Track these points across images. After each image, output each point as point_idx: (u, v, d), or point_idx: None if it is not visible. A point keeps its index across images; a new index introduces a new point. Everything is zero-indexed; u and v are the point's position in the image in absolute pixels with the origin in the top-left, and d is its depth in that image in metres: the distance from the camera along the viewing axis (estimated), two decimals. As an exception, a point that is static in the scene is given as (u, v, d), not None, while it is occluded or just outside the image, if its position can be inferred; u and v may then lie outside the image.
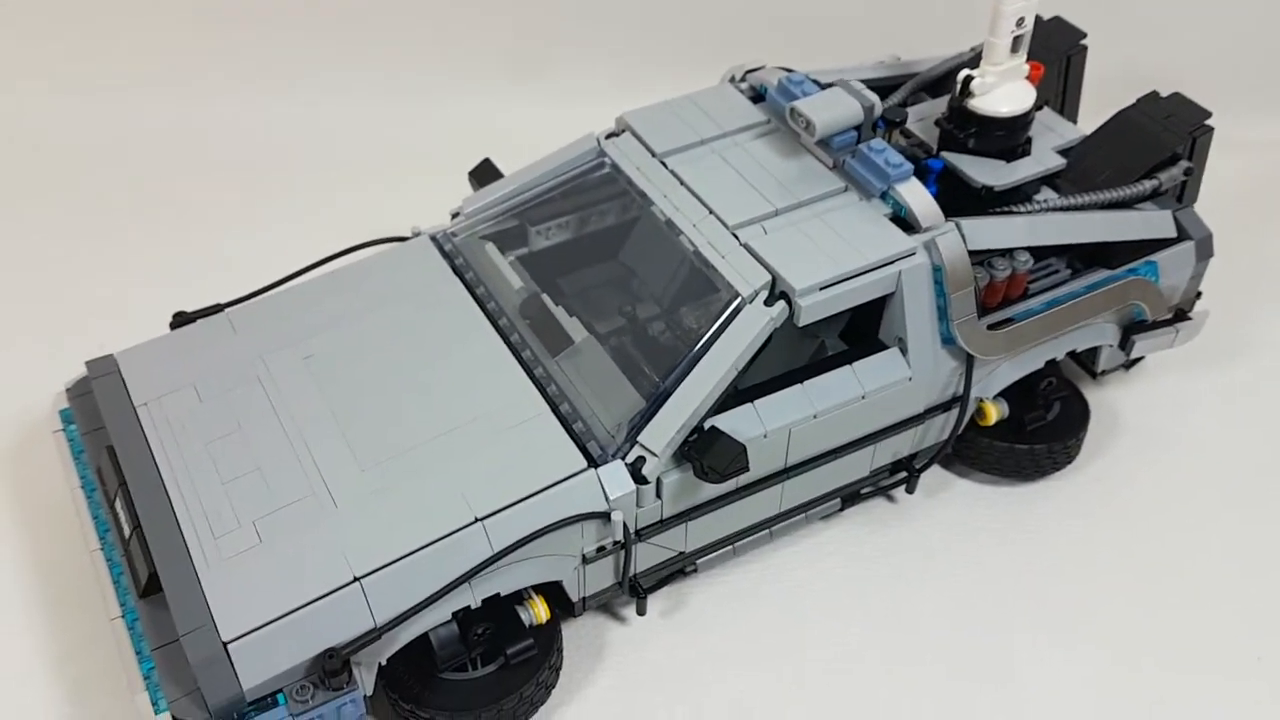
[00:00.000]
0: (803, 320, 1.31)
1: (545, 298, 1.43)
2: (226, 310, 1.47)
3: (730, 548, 1.45)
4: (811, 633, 1.42)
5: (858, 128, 1.45)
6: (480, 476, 1.24)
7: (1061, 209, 1.49)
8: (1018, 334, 1.45)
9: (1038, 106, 1.49)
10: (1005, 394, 1.52)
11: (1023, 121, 1.50)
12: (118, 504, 1.27)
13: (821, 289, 1.32)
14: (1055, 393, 1.57)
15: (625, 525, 1.27)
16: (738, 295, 1.32)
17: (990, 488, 1.59)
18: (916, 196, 1.40)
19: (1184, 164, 1.56)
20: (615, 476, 1.26)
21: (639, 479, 1.26)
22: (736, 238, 1.37)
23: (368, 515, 1.21)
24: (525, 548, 1.21)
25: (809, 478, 1.41)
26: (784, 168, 1.46)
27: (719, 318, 1.32)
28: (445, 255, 1.52)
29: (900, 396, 1.41)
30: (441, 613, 1.21)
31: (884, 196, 1.42)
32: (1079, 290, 1.51)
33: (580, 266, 1.55)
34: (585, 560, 1.30)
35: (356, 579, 1.17)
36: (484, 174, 1.65)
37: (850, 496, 1.51)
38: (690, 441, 1.28)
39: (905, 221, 1.39)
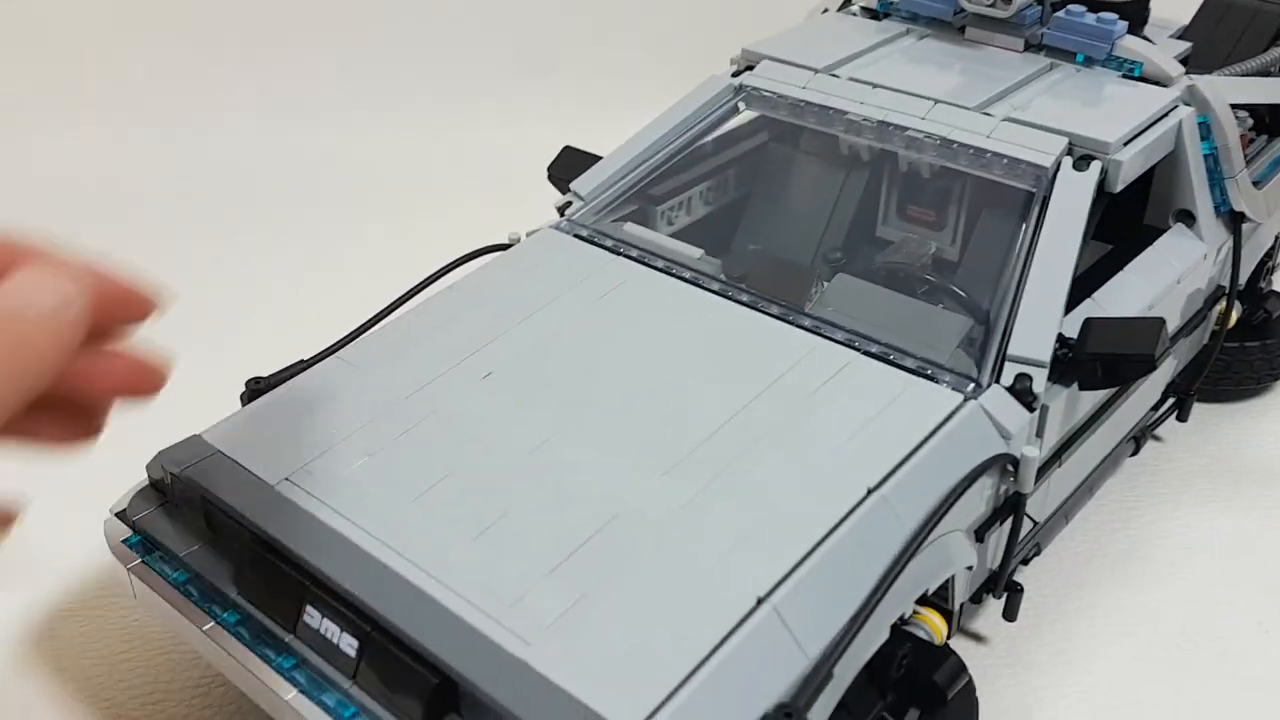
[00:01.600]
0: (1120, 181, 1.05)
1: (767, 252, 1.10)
2: (338, 353, 1.02)
3: (1063, 516, 1.12)
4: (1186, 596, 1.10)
5: (1040, 0, 1.23)
6: (830, 444, 0.87)
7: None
8: (1274, 194, 1.25)
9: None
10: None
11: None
12: (312, 616, 0.79)
13: (1126, 144, 1.06)
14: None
15: (1024, 469, 0.92)
16: (1041, 169, 1.04)
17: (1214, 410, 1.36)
18: (1148, 49, 1.19)
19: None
20: (1003, 404, 0.92)
21: (1027, 402, 0.93)
22: (989, 116, 1.10)
23: (708, 525, 0.81)
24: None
25: (1136, 398, 1.13)
26: (971, 60, 1.23)
27: (1031, 198, 1.03)
28: (588, 241, 1.15)
29: (1197, 279, 1.16)
30: (879, 629, 0.81)
31: (1107, 60, 1.20)
32: (1282, 154, 1.33)
33: (770, 218, 1.23)
34: (977, 538, 0.94)
35: (761, 600, 0.75)
36: (570, 163, 1.30)
37: (1140, 434, 1.22)
38: (1071, 343, 0.96)
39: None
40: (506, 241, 1.19)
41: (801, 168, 1.29)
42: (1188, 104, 1.15)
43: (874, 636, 0.80)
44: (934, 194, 1.23)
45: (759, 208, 1.28)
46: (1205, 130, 1.16)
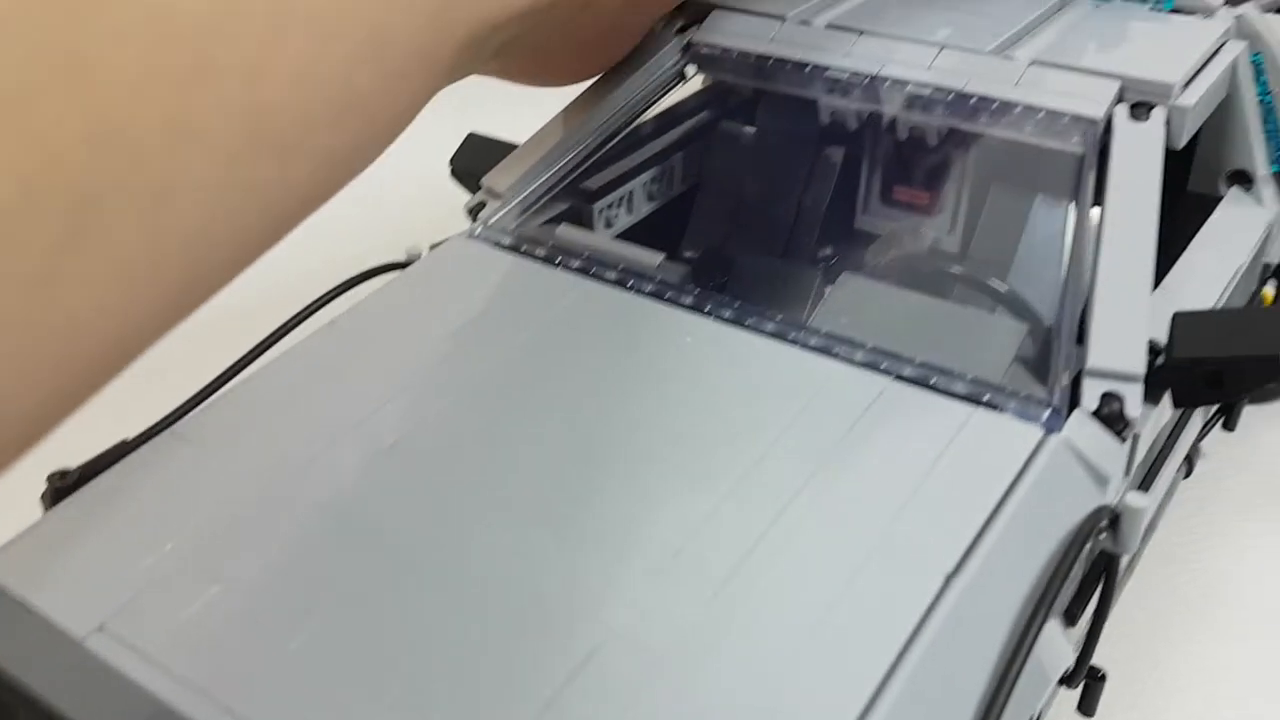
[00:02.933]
0: (1186, 132, 0.83)
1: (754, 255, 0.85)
2: (174, 427, 0.74)
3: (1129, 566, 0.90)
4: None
5: (1042, -74, 1.01)
6: (880, 513, 0.63)
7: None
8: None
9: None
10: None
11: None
12: None
13: (1187, 85, 0.84)
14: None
15: (1127, 524, 0.69)
16: (1090, 122, 0.81)
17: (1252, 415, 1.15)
18: (1184, -25, 0.97)
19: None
20: (1093, 437, 0.69)
21: (1118, 429, 0.69)
22: (1011, 60, 0.87)
23: (730, 657, 0.56)
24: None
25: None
26: None
27: (1081, 162, 0.80)
28: (514, 251, 0.88)
29: (1261, 254, 0.95)
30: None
31: (1132, -9, 0.98)
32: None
33: (724, 213, 0.98)
34: (1068, 621, 0.70)
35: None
36: (479, 153, 1.03)
37: (1191, 451, 1.01)
38: (1158, 347, 0.73)
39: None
40: (404, 259, 0.92)
41: (765, 145, 1.05)
42: (1236, 39, 0.93)
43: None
44: (934, 168, 0.99)
45: (711, 199, 1.03)
46: (1257, 71, 0.95)
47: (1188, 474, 1.03)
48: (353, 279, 0.91)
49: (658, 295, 0.82)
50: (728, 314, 0.79)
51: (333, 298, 0.88)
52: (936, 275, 0.86)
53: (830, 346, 0.76)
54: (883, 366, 0.74)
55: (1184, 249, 0.88)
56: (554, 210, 0.98)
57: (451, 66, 0.66)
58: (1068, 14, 0.96)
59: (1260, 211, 0.94)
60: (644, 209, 1.08)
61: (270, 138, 0.53)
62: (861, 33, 0.93)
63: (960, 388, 0.72)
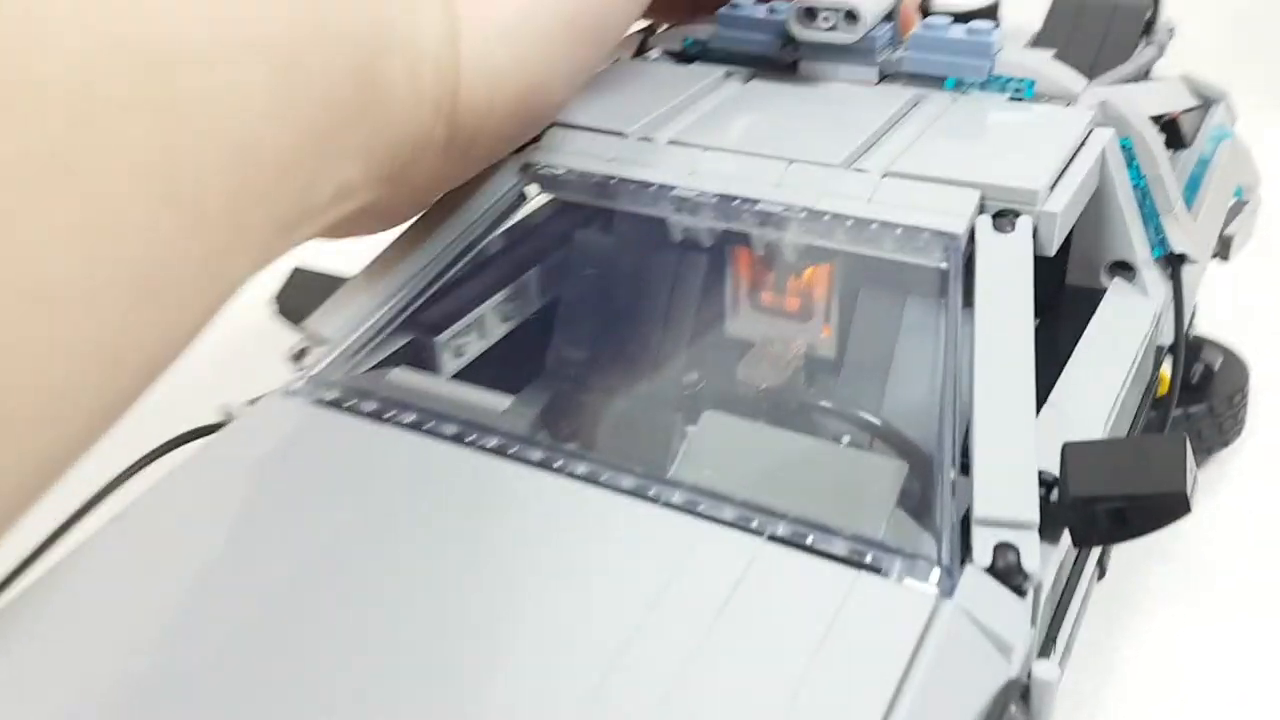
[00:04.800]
0: (1056, 239, 0.78)
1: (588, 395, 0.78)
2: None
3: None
4: None
5: (889, 16, 0.97)
6: (767, 704, 0.54)
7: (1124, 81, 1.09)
8: (1205, 223, 1.01)
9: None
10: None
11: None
12: None
13: (1053, 188, 0.79)
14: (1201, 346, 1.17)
15: (1038, 698, 0.62)
16: (952, 236, 0.76)
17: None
18: (1038, 60, 0.93)
19: (1168, 26, 1.26)
20: (990, 597, 0.62)
21: (1016, 584, 0.62)
22: (862, 172, 0.81)
23: None
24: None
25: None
26: (816, 102, 0.95)
27: (944, 278, 0.74)
28: (339, 408, 0.79)
29: (1149, 340, 0.90)
30: None
31: (987, 83, 0.93)
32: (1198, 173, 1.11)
33: (585, 335, 0.90)
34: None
35: None
36: (306, 290, 0.94)
37: (1102, 551, 0.95)
38: (1049, 479, 0.67)
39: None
40: (216, 421, 0.81)
41: (619, 262, 0.97)
42: (1101, 125, 0.89)
43: None
44: (798, 280, 0.93)
45: (564, 324, 0.95)
46: (1129, 157, 0.91)
47: (1101, 576, 0.97)
48: (153, 453, 0.80)
49: (501, 451, 0.73)
50: (581, 470, 0.71)
51: (130, 475, 0.77)
52: (807, 406, 0.79)
53: (694, 503, 0.67)
54: (753, 525, 0.66)
55: (1069, 351, 0.83)
56: (390, 350, 0.88)
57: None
58: (924, 109, 0.91)
59: (1145, 302, 0.89)
60: (498, 330, 0.99)
61: None
62: (706, 149, 0.86)
63: (839, 547, 0.64)
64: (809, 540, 0.64)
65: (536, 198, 0.92)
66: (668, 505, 0.68)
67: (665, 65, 1.06)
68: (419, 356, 0.91)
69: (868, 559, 0.63)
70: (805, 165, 0.83)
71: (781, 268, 0.90)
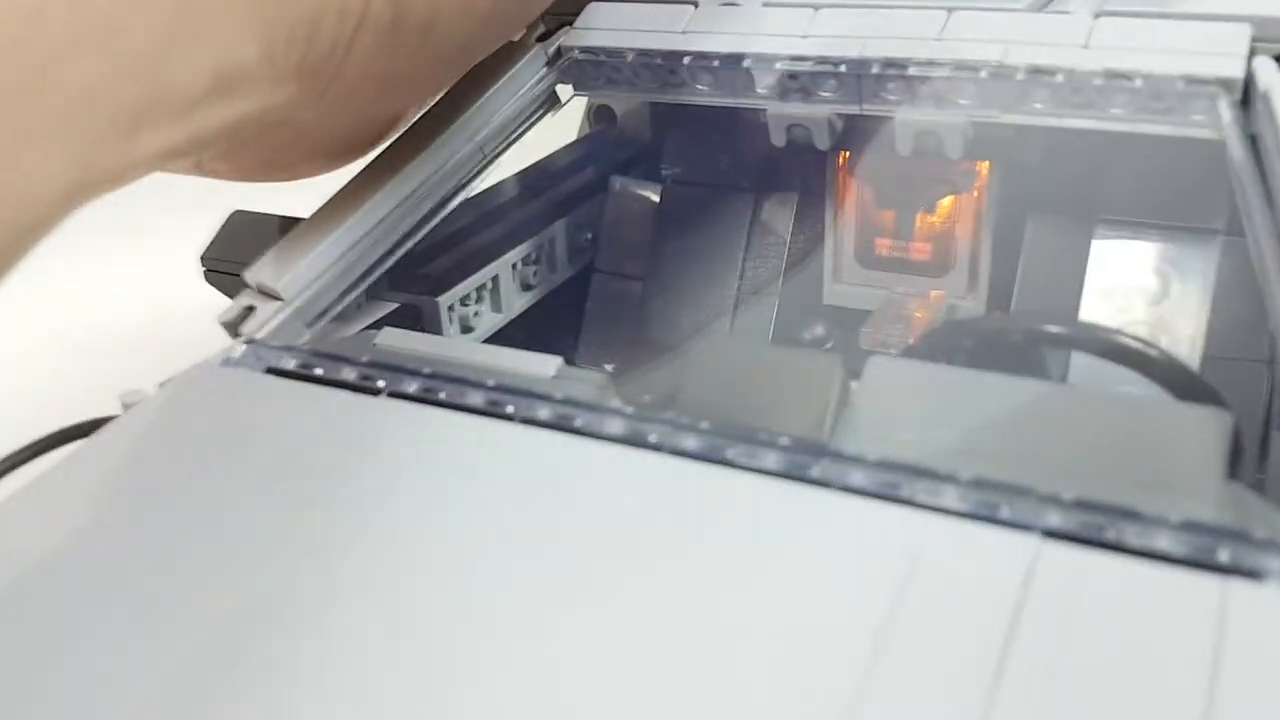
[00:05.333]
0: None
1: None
2: None
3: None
4: None
5: None
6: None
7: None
8: None
9: None
10: None
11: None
12: None
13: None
14: None
15: None
16: (1227, 81, 0.51)
17: None
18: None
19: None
20: None
21: None
22: (1061, 14, 0.56)
23: None
24: None
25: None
26: None
27: (1210, 154, 0.49)
28: (303, 378, 0.51)
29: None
30: None
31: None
32: None
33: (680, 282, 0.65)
34: None
35: None
36: (246, 237, 0.67)
37: None
38: None
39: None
40: (113, 413, 0.54)
41: (687, 197, 0.71)
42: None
43: None
44: (946, 197, 0.67)
45: (618, 283, 0.70)
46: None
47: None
48: (23, 450, 0.52)
49: (562, 426, 0.46)
50: (692, 445, 0.44)
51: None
52: (1025, 336, 0.53)
53: (896, 486, 0.40)
54: (1006, 514, 0.39)
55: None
56: (369, 316, 0.61)
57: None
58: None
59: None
60: (518, 302, 0.72)
61: None
62: (819, 6, 0.61)
63: (1168, 541, 0.37)
64: (1111, 534, 0.38)
65: (571, 99, 0.66)
66: (850, 491, 0.41)
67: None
68: (416, 321, 0.64)
69: (1221, 558, 0.36)
70: (975, 13, 0.58)
71: (933, 173, 0.65)
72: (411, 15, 0.53)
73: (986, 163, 0.68)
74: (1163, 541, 0.38)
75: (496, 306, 0.70)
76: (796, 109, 0.61)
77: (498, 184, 0.73)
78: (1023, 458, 0.42)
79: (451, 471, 0.46)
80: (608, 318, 0.78)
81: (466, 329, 0.67)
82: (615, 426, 0.47)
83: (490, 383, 0.50)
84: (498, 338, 0.70)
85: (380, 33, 0.53)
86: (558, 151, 0.79)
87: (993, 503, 0.40)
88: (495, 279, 0.69)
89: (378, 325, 0.62)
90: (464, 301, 0.66)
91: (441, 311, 0.64)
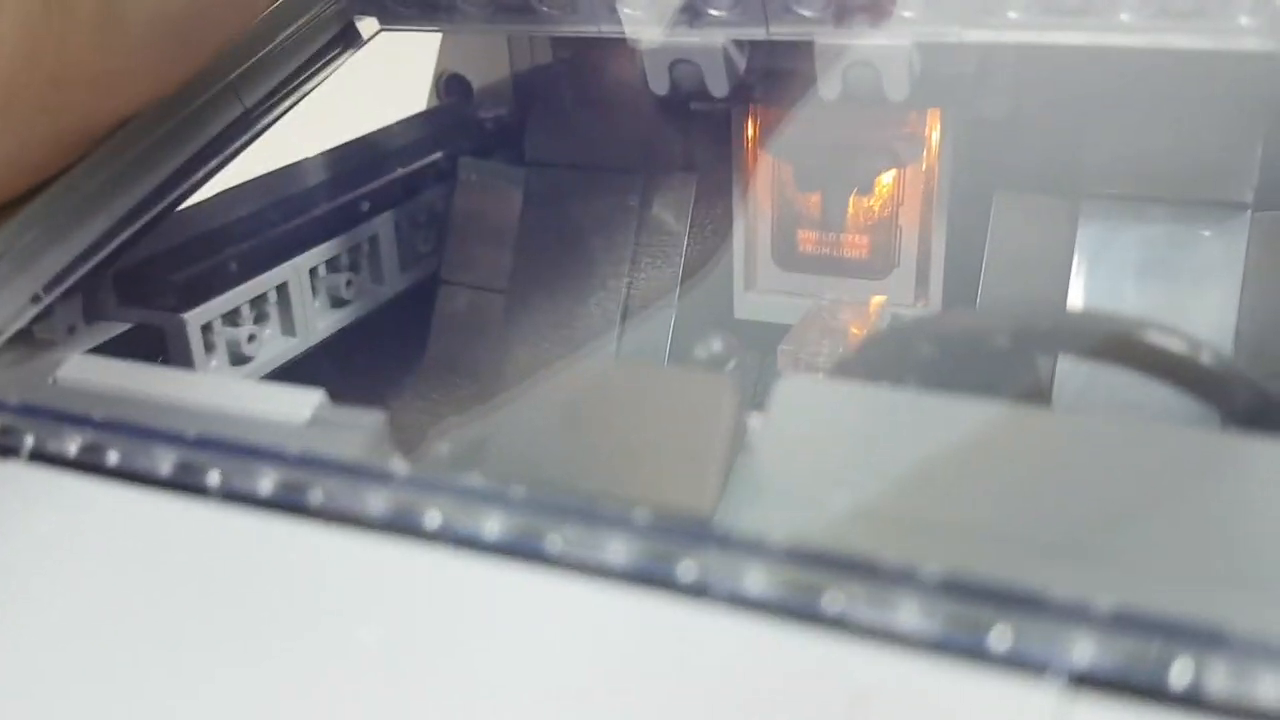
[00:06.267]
0: None
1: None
2: None
3: None
4: None
5: None
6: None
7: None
8: None
9: None
10: None
11: None
12: None
13: None
14: None
15: None
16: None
17: None
18: None
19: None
20: None
21: None
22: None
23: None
24: None
25: None
26: None
27: None
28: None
29: None
30: None
31: None
32: None
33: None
34: None
35: None
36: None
37: None
38: None
39: None
40: None
41: (558, 175, 0.54)
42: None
43: None
44: (876, 173, 0.51)
45: (471, 289, 0.52)
46: None
47: None
48: None
49: (290, 504, 0.28)
50: (494, 529, 0.26)
51: None
52: (1012, 337, 0.35)
53: (815, 593, 0.23)
54: (1004, 644, 0.21)
55: None
56: (86, 342, 0.43)
57: None
58: None
59: None
60: (322, 322, 0.54)
61: None
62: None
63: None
64: (1179, 675, 0.20)
65: (375, 35, 0.48)
66: (737, 602, 0.23)
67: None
68: (151, 348, 0.45)
69: None
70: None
71: (880, 138, 0.48)
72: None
73: (938, 113, 0.51)
74: (1268, 688, 0.21)
75: (288, 328, 0.51)
76: (680, 38, 0.44)
77: (295, 164, 0.55)
78: (1012, 525, 0.25)
79: (88, 583, 0.28)
80: (458, 344, 0.60)
81: (239, 359, 0.49)
82: (376, 503, 0.29)
83: (191, 435, 0.32)
84: (291, 373, 0.52)
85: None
86: (389, 126, 0.61)
87: (978, 621, 0.22)
88: (283, 289, 0.50)
89: (109, 346, 0.44)
90: (232, 320, 0.48)
91: (190, 333, 0.45)
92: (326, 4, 0.47)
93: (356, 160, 0.59)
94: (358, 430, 0.34)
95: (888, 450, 0.29)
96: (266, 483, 0.30)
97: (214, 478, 0.31)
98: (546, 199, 0.62)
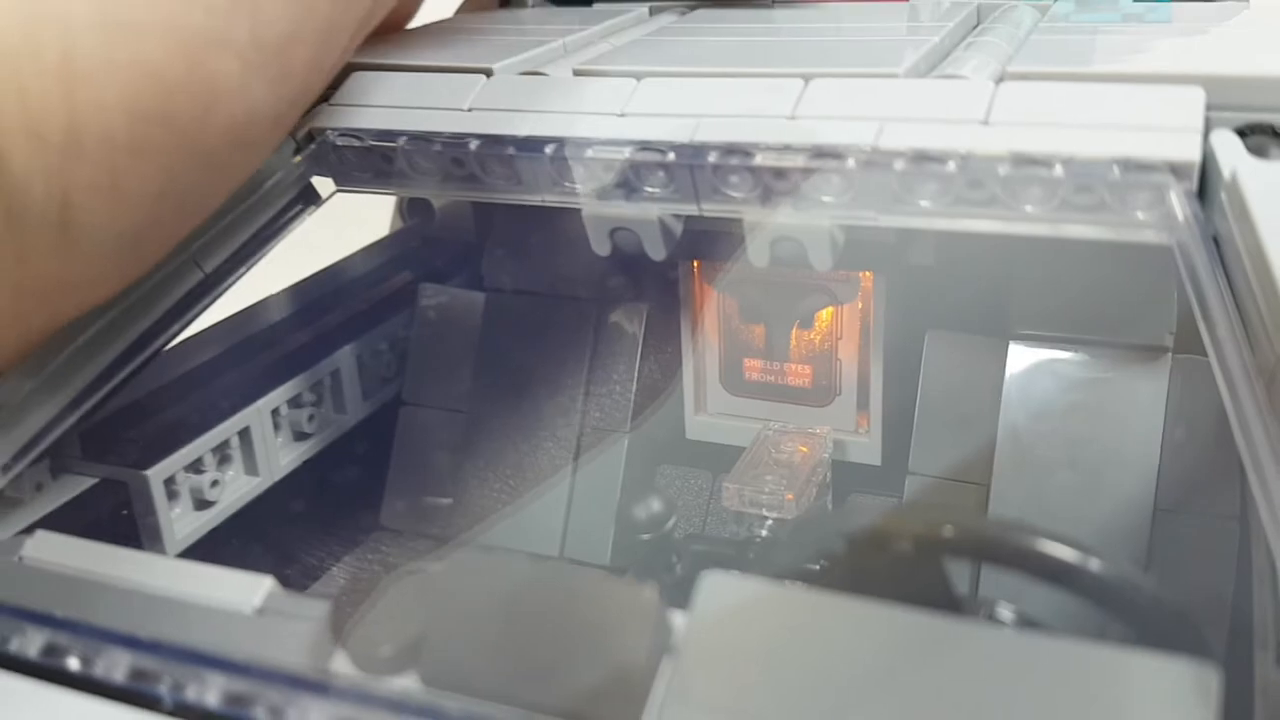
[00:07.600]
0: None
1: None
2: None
3: None
4: None
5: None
6: None
7: None
8: None
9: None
10: None
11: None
12: None
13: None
14: None
15: None
16: (1181, 165, 0.36)
17: None
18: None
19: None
20: None
21: None
22: (952, 79, 0.42)
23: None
24: None
25: None
26: (820, 18, 0.57)
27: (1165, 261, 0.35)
28: None
29: None
30: None
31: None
32: None
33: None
34: None
35: None
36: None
37: None
38: None
39: None
40: None
41: (515, 300, 0.57)
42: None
43: None
44: (815, 310, 0.53)
45: (431, 409, 0.54)
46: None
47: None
48: None
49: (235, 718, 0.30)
50: None
51: None
52: (929, 541, 0.37)
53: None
54: None
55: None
56: (53, 499, 0.45)
57: None
58: (1013, 15, 0.53)
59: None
60: (286, 458, 0.55)
61: None
62: (642, 75, 0.46)
63: None
64: None
65: (331, 196, 0.50)
66: None
67: (538, 9, 0.67)
68: (116, 510, 0.47)
69: None
70: (839, 80, 0.43)
71: (817, 281, 0.50)
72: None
73: (869, 273, 0.53)
74: None
75: (250, 468, 0.53)
76: (618, 209, 0.46)
77: (258, 303, 0.57)
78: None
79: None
80: (418, 465, 0.62)
81: (203, 504, 0.51)
82: (316, 716, 0.31)
83: (143, 637, 0.34)
84: (259, 507, 0.53)
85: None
86: (350, 256, 0.64)
87: None
88: (245, 433, 0.52)
89: (60, 516, 0.46)
90: (195, 468, 0.50)
91: (153, 488, 0.47)
92: (288, 171, 0.49)
93: (319, 293, 0.61)
94: (303, 621, 0.36)
95: (810, 658, 0.31)
96: (213, 695, 0.32)
97: (163, 689, 0.33)
98: (504, 324, 0.64)
